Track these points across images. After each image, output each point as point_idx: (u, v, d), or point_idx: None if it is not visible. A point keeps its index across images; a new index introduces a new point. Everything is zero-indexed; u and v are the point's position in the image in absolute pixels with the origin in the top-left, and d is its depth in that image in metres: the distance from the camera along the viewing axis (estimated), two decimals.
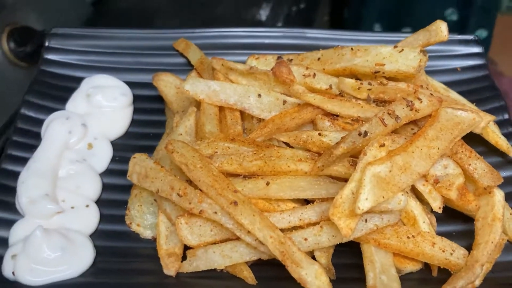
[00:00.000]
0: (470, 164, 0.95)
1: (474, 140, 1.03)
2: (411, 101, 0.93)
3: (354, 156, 0.91)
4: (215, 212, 0.85)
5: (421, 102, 0.94)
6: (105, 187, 1.05)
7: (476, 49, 1.26)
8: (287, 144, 0.97)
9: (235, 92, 1.03)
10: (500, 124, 1.10)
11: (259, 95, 1.02)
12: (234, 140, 0.95)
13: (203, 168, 0.87)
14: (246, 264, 0.89)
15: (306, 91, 1.01)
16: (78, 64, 1.23)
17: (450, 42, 1.25)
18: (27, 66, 1.42)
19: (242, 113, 1.05)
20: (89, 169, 1.04)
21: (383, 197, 0.81)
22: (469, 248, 0.88)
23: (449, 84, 1.17)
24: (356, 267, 0.88)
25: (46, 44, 1.24)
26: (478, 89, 1.20)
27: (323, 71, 1.06)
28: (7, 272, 0.88)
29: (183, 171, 0.91)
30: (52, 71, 1.22)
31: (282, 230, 0.85)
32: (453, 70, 1.25)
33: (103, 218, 0.99)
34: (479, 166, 0.95)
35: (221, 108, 1.04)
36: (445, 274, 0.87)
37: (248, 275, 0.87)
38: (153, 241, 0.96)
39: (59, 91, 1.18)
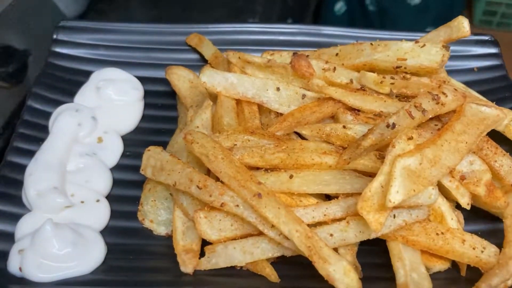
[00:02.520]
0: (496, 161, 0.93)
1: (496, 139, 1.00)
2: (437, 95, 0.91)
3: (379, 150, 0.88)
4: (237, 205, 0.81)
5: (446, 96, 0.92)
6: (116, 183, 1.00)
7: (493, 50, 1.25)
8: (304, 139, 0.94)
9: (253, 85, 1.00)
10: None
11: (278, 89, 0.99)
12: (254, 133, 0.92)
13: (225, 159, 0.83)
14: (268, 261, 0.84)
15: (326, 85, 0.98)
16: (86, 58, 1.20)
17: (466, 42, 1.24)
18: (9, 86, 1.29)
19: (259, 107, 1.01)
20: (99, 163, 1.00)
21: (414, 190, 0.78)
22: (497, 247, 0.85)
23: (467, 84, 1.14)
24: (382, 266, 0.85)
25: (54, 36, 1.20)
26: (496, 89, 1.18)
27: (342, 66, 1.04)
28: (13, 268, 0.83)
29: (201, 164, 0.88)
30: (59, 64, 1.18)
31: None
32: (470, 70, 1.23)
33: (113, 214, 0.95)
34: (505, 163, 0.93)
35: (238, 102, 1.01)
36: (474, 273, 0.84)
37: (270, 273, 0.82)
38: (167, 238, 0.92)
39: (67, 84, 1.14)
